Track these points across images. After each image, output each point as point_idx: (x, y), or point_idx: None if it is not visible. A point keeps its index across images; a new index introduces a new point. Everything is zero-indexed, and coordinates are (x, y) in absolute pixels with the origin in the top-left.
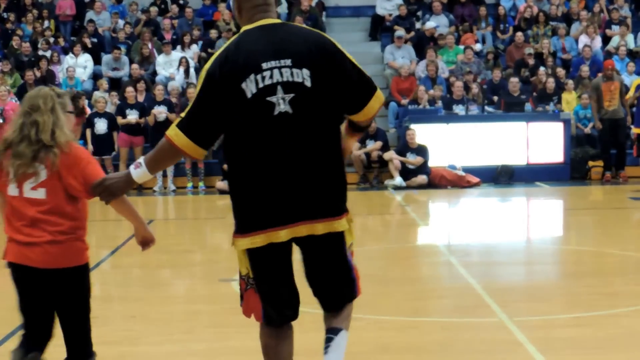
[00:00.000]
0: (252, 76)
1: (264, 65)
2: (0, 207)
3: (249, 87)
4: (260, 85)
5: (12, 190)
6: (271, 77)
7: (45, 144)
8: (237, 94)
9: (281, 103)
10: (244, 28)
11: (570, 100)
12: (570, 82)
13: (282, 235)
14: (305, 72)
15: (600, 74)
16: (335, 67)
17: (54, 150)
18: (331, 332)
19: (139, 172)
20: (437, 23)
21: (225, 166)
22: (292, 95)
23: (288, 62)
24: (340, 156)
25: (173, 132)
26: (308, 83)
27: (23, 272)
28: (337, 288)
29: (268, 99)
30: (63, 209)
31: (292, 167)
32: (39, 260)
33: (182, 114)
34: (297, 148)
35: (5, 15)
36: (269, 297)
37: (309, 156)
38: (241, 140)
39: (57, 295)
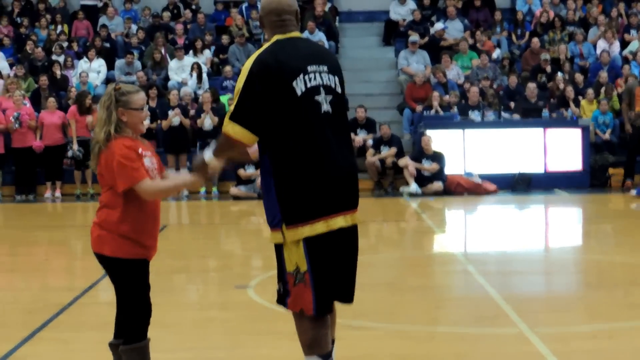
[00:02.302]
0: (301, 76)
1: (309, 68)
2: None
3: (299, 85)
4: (308, 85)
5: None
6: (315, 78)
7: (96, 139)
8: (287, 91)
9: (324, 103)
10: (277, 37)
11: (588, 106)
12: (590, 92)
13: (338, 221)
14: (336, 79)
15: (632, 78)
16: (343, 84)
17: (98, 145)
18: (331, 343)
19: (209, 155)
20: (451, 28)
21: (240, 171)
22: (330, 97)
23: (325, 68)
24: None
25: (228, 126)
26: (338, 89)
27: None
28: (354, 280)
29: (316, 98)
30: (104, 201)
31: (338, 160)
32: (91, 243)
33: (231, 107)
34: (339, 144)
35: (19, 20)
36: (325, 286)
37: (346, 152)
38: (294, 134)
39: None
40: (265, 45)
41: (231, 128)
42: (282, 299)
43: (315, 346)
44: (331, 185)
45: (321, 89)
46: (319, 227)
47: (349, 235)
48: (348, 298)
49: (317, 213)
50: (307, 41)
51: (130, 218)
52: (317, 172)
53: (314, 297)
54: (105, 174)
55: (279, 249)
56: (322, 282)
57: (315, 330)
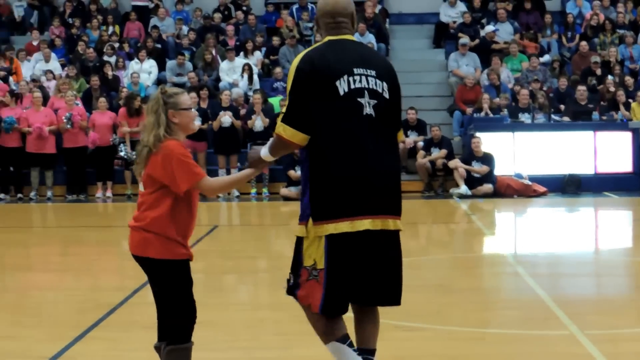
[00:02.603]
0: (345, 77)
1: (355, 70)
2: None
3: (342, 85)
4: (352, 86)
5: (140, 185)
6: (360, 81)
7: (145, 143)
8: (330, 90)
9: (367, 106)
10: (329, 38)
11: (638, 109)
12: None
13: (364, 224)
14: (385, 85)
15: None
16: (398, 90)
17: (147, 148)
18: (369, 354)
19: (265, 151)
20: (501, 31)
21: (290, 172)
22: (375, 101)
23: (373, 72)
24: (400, 164)
25: (280, 128)
26: (386, 95)
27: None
28: (394, 284)
29: (358, 99)
30: (149, 202)
31: (375, 164)
32: (129, 246)
33: (283, 108)
34: (379, 148)
35: (70, 20)
36: (336, 287)
37: (386, 157)
38: (331, 132)
39: (149, 279)
40: (315, 44)
41: (282, 129)
42: (291, 290)
43: (329, 333)
44: (361, 187)
45: (365, 92)
46: (342, 226)
47: (378, 240)
48: (373, 301)
49: (342, 212)
50: (359, 44)
51: (177, 219)
52: (348, 173)
53: (322, 296)
54: (158, 175)
55: (299, 242)
56: (335, 283)
57: (324, 322)
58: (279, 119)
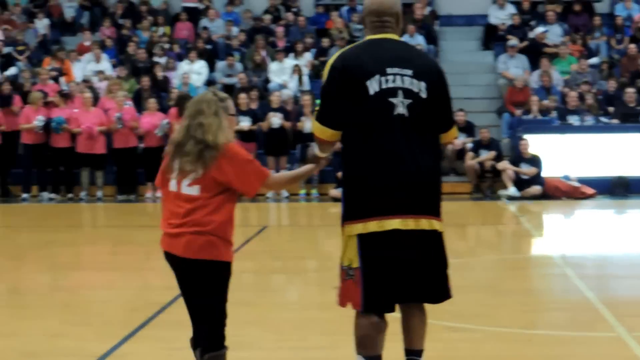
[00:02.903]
0: (377, 76)
1: (388, 70)
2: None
3: (372, 85)
4: (383, 86)
5: (172, 186)
6: (394, 81)
7: (208, 144)
8: (360, 89)
9: (400, 106)
10: (369, 37)
11: None
12: None
13: (393, 223)
14: (423, 84)
15: None
16: (441, 89)
17: (214, 150)
18: (415, 355)
19: (317, 148)
20: (550, 33)
21: (339, 174)
22: (410, 101)
23: (409, 72)
24: (440, 164)
25: (314, 125)
26: (423, 95)
27: (171, 260)
28: (433, 282)
29: (390, 99)
30: (212, 206)
31: (406, 164)
32: (183, 250)
33: (317, 108)
34: (411, 148)
35: (121, 21)
36: (374, 285)
37: (420, 157)
38: (362, 132)
39: (196, 284)
40: (355, 43)
41: (315, 126)
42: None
43: (361, 345)
44: (390, 186)
45: (399, 91)
46: (371, 226)
47: (410, 239)
48: (413, 298)
49: (371, 212)
50: (399, 44)
51: (231, 221)
52: (377, 172)
53: (362, 294)
54: (228, 179)
55: (342, 243)
56: (372, 281)
57: (364, 330)
58: (313, 116)
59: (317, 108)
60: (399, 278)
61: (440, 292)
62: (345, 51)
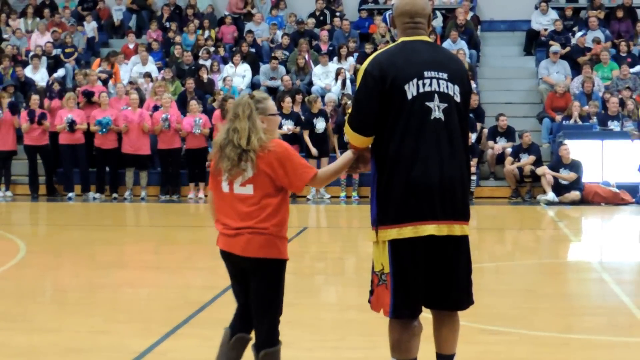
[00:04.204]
0: (415, 80)
1: (426, 74)
2: (210, 204)
3: (411, 89)
4: (421, 90)
5: (224, 187)
6: (430, 85)
7: (244, 148)
8: (398, 93)
9: (436, 110)
10: (402, 39)
11: None
12: None
13: (428, 229)
14: (456, 88)
15: None
16: (469, 93)
17: (252, 152)
18: (446, 359)
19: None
20: (592, 39)
21: None
22: (445, 104)
23: (445, 75)
24: (470, 168)
25: (348, 132)
26: (457, 98)
27: (230, 258)
28: (463, 289)
29: (427, 103)
30: (267, 204)
31: (441, 169)
32: (243, 249)
33: (348, 110)
34: (447, 153)
35: (167, 24)
36: (404, 290)
37: (453, 162)
38: (398, 136)
39: (255, 282)
40: (388, 46)
41: (348, 133)
42: (369, 299)
43: (395, 349)
44: (426, 192)
45: (435, 95)
46: (406, 232)
47: (443, 245)
48: (443, 305)
49: (406, 217)
50: (433, 46)
51: (286, 221)
52: (413, 177)
53: (391, 300)
54: (278, 176)
55: (374, 247)
56: (401, 286)
57: (398, 333)
58: (346, 118)
59: (349, 110)
60: (429, 285)
61: (466, 298)
62: (379, 55)
